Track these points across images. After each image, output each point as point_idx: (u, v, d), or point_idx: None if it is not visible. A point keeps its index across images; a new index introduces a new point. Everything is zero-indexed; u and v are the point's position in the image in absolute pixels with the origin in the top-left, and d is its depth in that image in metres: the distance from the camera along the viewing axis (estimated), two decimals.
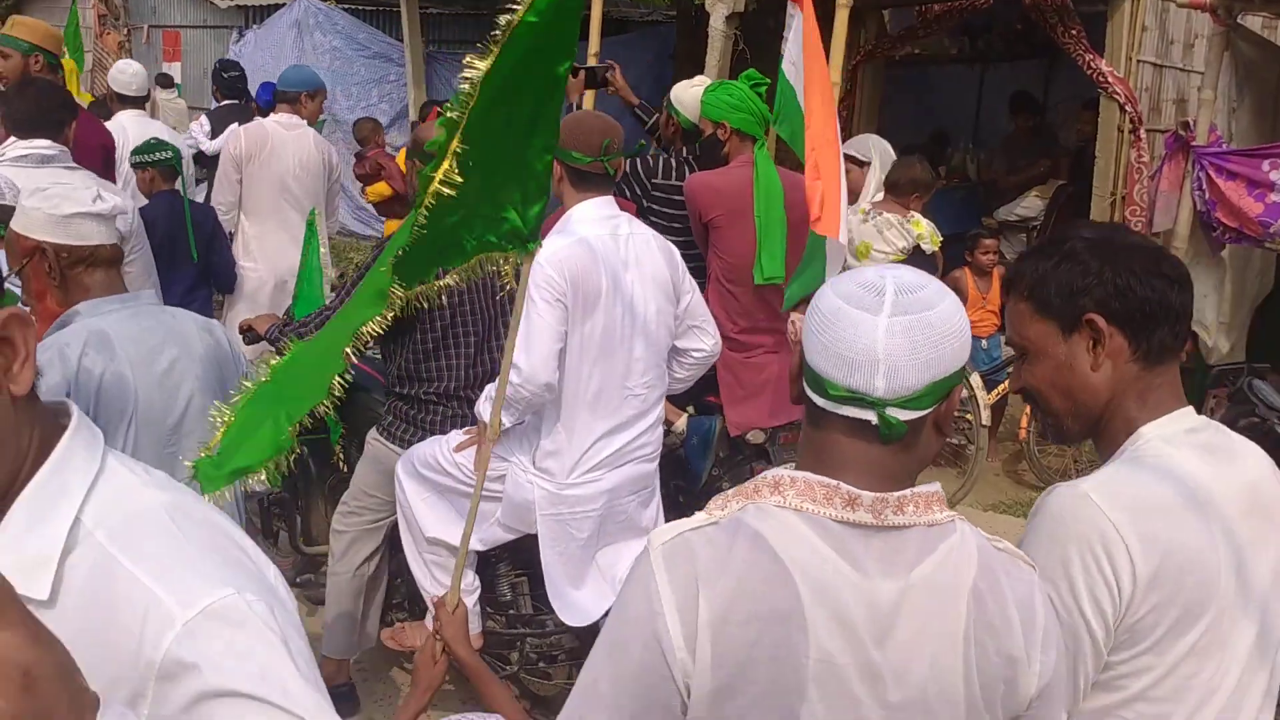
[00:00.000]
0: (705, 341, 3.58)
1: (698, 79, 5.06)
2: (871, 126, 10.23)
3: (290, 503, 4.41)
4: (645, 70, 12.88)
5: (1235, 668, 1.64)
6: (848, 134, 9.78)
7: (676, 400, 4.03)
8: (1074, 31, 7.32)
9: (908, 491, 1.39)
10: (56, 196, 2.58)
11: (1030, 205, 8.67)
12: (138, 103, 6.15)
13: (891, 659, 1.36)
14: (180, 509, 1.22)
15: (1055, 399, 1.74)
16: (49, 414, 1.20)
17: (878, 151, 5.78)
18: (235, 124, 6.87)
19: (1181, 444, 1.68)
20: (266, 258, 5.49)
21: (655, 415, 3.45)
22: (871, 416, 1.37)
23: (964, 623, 1.37)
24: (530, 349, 3.06)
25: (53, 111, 4.07)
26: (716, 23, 9.28)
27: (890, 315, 1.36)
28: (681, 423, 4.15)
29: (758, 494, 1.41)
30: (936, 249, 5.60)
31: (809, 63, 3.85)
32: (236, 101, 9.03)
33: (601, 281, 3.20)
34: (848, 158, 5.35)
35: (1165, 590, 1.58)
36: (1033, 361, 1.74)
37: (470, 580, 3.48)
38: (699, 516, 1.43)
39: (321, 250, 4.76)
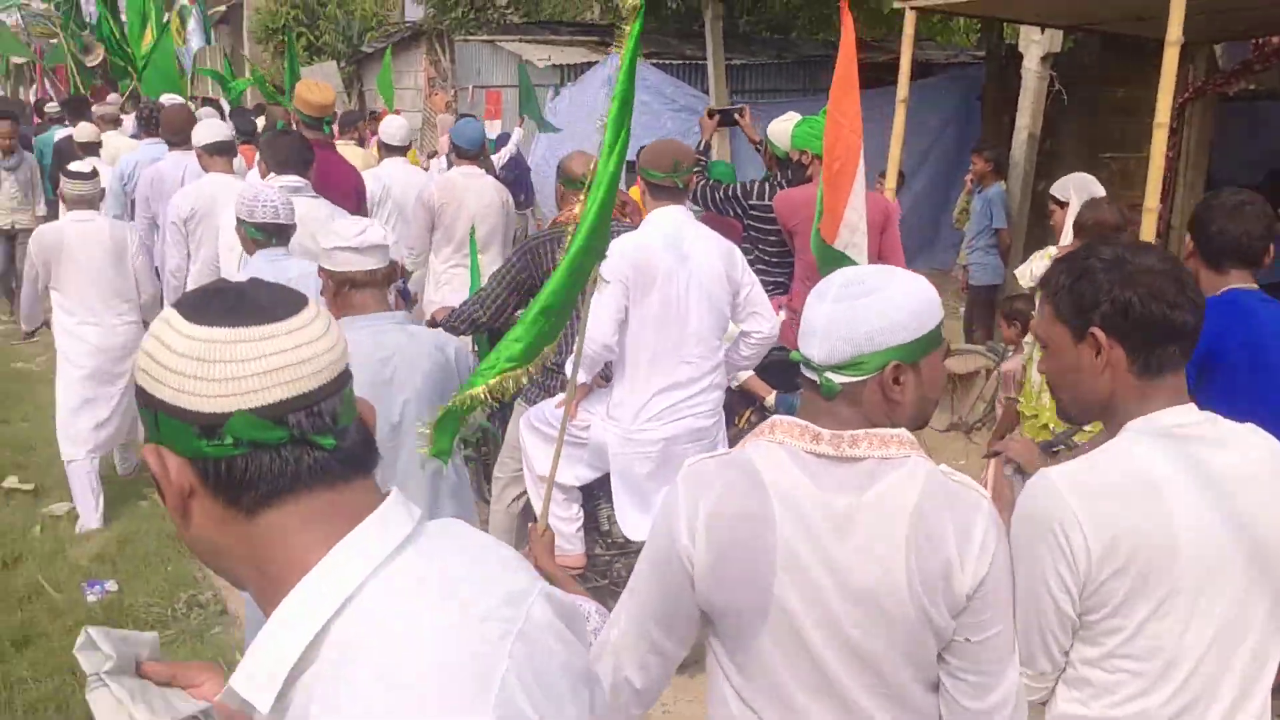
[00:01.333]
0: (763, 325, 4.34)
1: (788, 115, 5.75)
2: (1200, 167, 9.60)
3: (479, 461, 5.44)
4: (952, 113, 12.64)
5: (1209, 628, 1.88)
6: (1174, 176, 9.23)
7: (771, 381, 5.02)
8: None
9: (861, 431, 1.81)
10: (324, 233, 3.31)
11: None
12: (401, 151, 7.08)
13: (847, 557, 1.77)
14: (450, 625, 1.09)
15: (1063, 389, 2.08)
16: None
17: (1077, 191, 5.65)
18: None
19: (1157, 436, 1.93)
20: (454, 290, 5.96)
21: (709, 381, 4.20)
22: (815, 376, 1.84)
23: (905, 532, 1.75)
24: (595, 316, 3.85)
25: (302, 154, 5.21)
26: (1030, 64, 9.01)
27: (833, 301, 1.81)
28: (771, 398, 5.01)
29: (759, 434, 1.89)
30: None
31: (841, 75, 4.15)
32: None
33: (660, 268, 4.08)
34: (1050, 198, 5.85)
35: (1117, 563, 1.86)
36: (1049, 355, 2.08)
37: (575, 511, 4.34)
38: (718, 451, 2.00)
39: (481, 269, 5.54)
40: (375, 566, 1.10)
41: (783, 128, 5.60)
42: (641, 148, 4.35)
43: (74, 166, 5.89)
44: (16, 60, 23.65)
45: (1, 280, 9.97)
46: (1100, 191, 5.64)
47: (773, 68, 13.99)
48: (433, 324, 4.57)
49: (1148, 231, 5.38)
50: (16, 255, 9.37)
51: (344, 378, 1.17)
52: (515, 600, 1.15)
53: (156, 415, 1.11)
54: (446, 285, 6.12)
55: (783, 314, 4.97)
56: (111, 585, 5.00)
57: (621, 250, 4.02)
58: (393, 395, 3.22)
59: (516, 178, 10.77)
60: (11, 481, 6.19)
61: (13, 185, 9.50)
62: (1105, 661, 1.92)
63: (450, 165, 8.89)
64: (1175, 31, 4.87)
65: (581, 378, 4.15)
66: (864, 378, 1.80)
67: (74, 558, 5.30)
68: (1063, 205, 5.63)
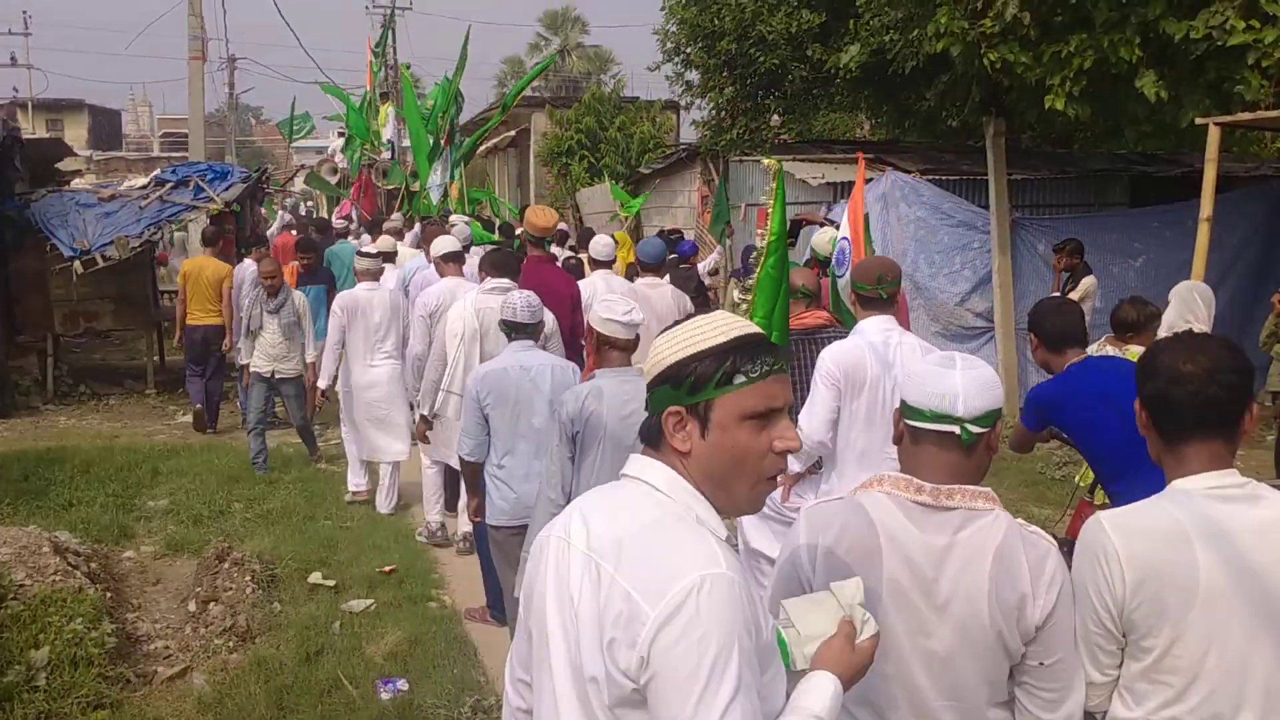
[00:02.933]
0: None
1: (827, 229, 7.16)
2: None
3: None
4: (1255, 229, 11.86)
5: (1224, 652, 2.22)
6: None
7: None
8: None
9: (956, 486, 2.28)
10: (602, 304, 4.47)
11: None
12: (606, 265, 8.26)
13: (941, 587, 2.24)
14: None
15: None
16: None
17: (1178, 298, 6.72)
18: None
19: (1197, 495, 2.30)
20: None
21: None
22: (956, 429, 2.26)
23: (989, 568, 2.22)
24: (811, 415, 4.63)
25: (509, 264, 6.68)
26: None
27: (962, 369, 2.30)
28: None
29: (869, 485, 2.38)
30: None
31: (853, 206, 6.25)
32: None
33: (868, 373, 4.57)
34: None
35: (1147, 593, 2.25)
36: None
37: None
38: (836, 497, 2.56)
39: None
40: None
41: (824, 238, 7.49)
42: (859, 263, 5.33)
43: (364, 248, 9.81)
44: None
45: (258, 421, 9.25)
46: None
47: (1055, 182, 13.58)
48: None
49: None
50: (281, 399, 9.64)
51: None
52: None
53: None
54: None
55: None
56: (403, 684, 5.21)
57: (834, 357, 4.63)
58: (634, 426, 3.64)
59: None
60: (316, 577, 6.59)
61: (275, 331, 9.09)
62: (1146, 675, 2.30)
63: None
64: None
65: (796, 467, 4.91)
66: (985, 430, 2.28)
67: (370, 655, 5.55)
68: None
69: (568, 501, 4.93)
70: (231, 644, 5.61)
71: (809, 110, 17.89)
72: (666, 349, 1.90)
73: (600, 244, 8.31)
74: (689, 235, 16.27)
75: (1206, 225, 6.67)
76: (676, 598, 1.71)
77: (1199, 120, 7.31)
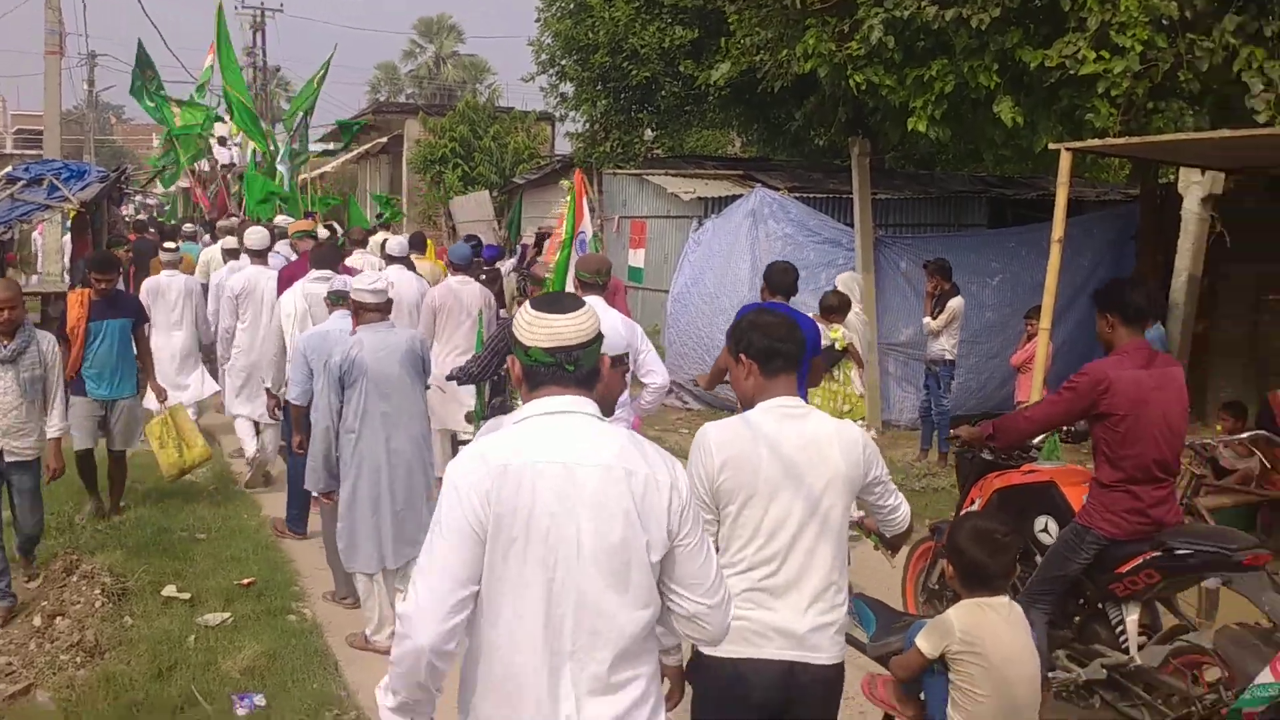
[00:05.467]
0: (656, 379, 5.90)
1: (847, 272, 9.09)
2: None
3: None
4: (1104, 251, 12.40)
5: (778, 513, 3.22)
6: None
7: None
8: None
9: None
10: (359, 280, 5.93)
11: None
12: (402, 260, 9.71)
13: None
14: None
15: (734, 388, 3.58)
16: None
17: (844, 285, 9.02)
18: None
19: (771, 411, 3.30)
20: (450, 362, 7.78)
21: None
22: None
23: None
24: None
25: (330, 257, 8.30)
26: (1191, 205, 8.80)
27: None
28: None
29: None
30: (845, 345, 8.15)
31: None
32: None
33: None
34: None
35: (727, 473, 3.21)
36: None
37: None
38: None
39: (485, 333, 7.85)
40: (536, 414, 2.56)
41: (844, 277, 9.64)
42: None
43: (168, 244, 11.38)
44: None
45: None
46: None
47: (917, 202, 13.99)
48: (450, 376, 6.43)
49: None
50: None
51: (589, 344, 2.59)
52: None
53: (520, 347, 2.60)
54: (455, 351, 8.43)
55: None
56: (260, 700, 5.06)
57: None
58: (390, 366, 5.73)
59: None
60: (170, 590, 6.37)
61: (8, 390, 6.34)
62: (731, 530, 3.24)
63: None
64: None
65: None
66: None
67: (225, 670, 5.38)
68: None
69: (337, 425, 5.69)
70: (79, 659, 5.38)
71: (681, 126, 18.12)
72: (591, 321, 2.61)
73: (394, 243, 10.39)
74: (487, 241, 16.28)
75: (1058, 246, 6.93)
76: (684, 479, 2.60)
77: (1052, 145, 7.59)
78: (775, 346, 3.30)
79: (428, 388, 6.12)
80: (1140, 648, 4.72)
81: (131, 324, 7.90)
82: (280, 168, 21.62)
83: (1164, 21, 8.05)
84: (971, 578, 3.58)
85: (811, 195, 13.20)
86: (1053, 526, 5.05)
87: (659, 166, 16.27)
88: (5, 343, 6.31)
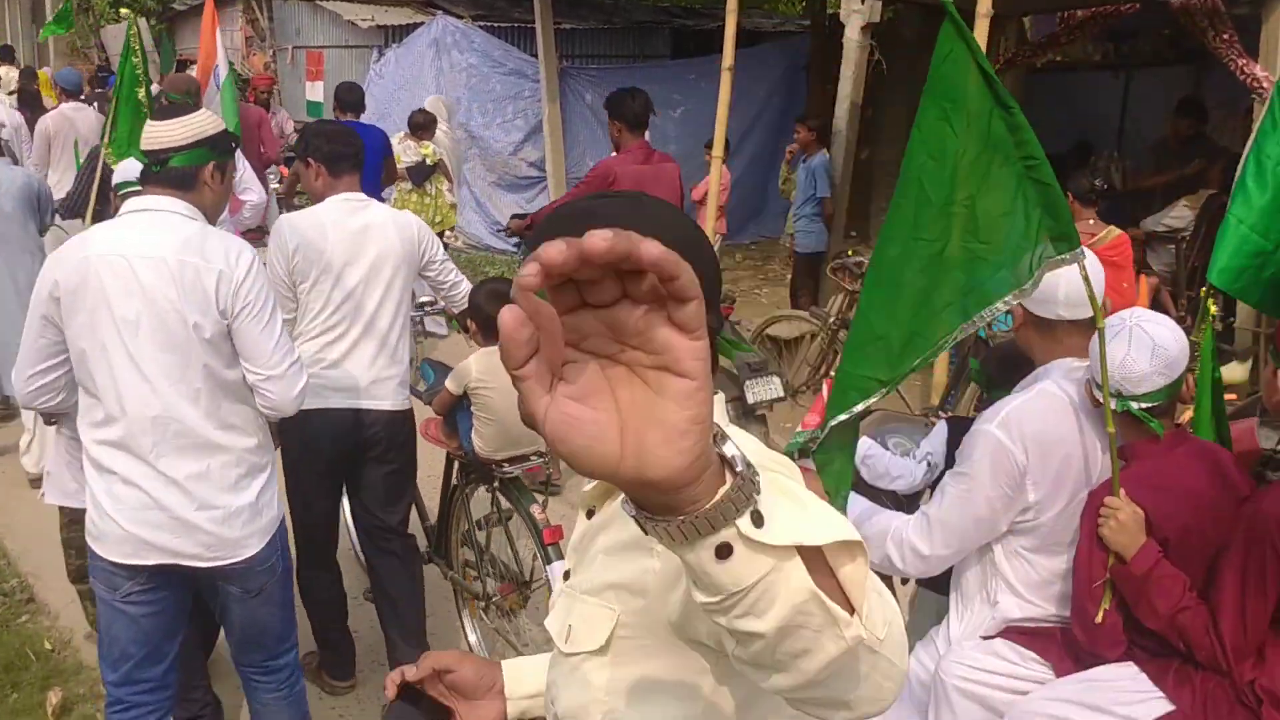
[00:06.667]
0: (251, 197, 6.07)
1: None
2: None
3: None
4: (778, 82, 12.82)
5: (345, 286, 3.75)
6: None
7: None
8: (1225, 36, 7.02)
9: None
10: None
11: (1179, 215, 8.14)
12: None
13: None
14: None
15: None
16: None
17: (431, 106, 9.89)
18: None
19: (333, 206, 3.79)
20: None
21: None
22: None
23: None
24: None
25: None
26: (851, 34, 9.15)
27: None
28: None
29: None
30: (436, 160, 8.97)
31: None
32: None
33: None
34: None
35: (299, 256, 3.68)
36: None
37: None
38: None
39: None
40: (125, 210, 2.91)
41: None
42: None
43: None
44: None
45: None
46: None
47: (602, 32, 13.94)
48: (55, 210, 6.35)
49: None
50: None
51: (180, 149, 2.87)
52: None
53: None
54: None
55: None
56: None
57: None
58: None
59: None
60: None
61: None
62: (305, 303, 3.74)
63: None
64: (986, 4, 5.02)
65: None
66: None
67: None
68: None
69: None
70: None
71: None
72: (201, 124, 2.93)
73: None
74: None
75: (728, 75, 7.06)
76: (244, 265, 2.85)
77: None
78: (338, 150, 3.79)
79: (50, 226, 6.15)
80: None
81: None
82: None
83: None
84: (489, 330, 4.08)
85: (496, 25, 12.89)
86: None
87: None
88: None
